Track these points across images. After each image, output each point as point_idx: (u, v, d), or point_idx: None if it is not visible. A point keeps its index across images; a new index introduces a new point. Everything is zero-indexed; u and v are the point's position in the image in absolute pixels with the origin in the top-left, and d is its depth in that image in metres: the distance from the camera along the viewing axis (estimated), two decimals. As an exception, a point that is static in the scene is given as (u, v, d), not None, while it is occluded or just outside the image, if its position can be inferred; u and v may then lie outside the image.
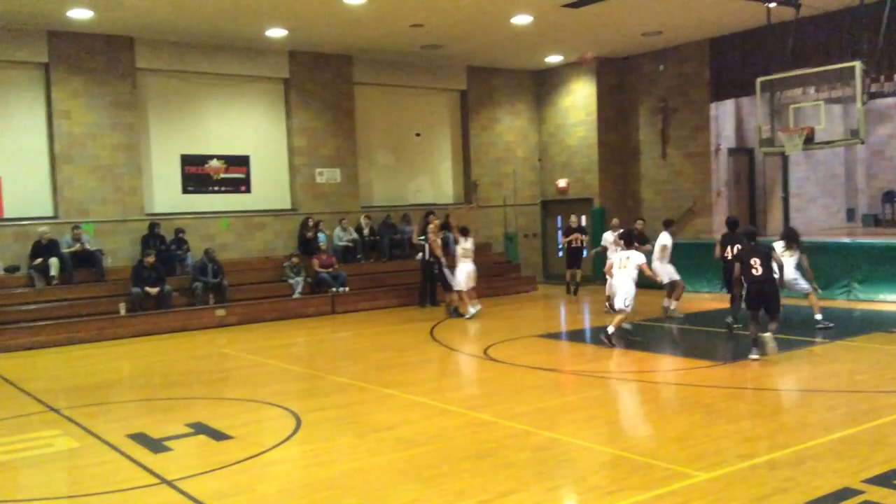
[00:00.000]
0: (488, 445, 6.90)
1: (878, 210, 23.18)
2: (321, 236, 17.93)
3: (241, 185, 17.98)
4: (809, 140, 14.85)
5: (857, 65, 13.78)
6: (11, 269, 15.07)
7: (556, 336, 13.44)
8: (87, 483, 6.45)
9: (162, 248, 16.13)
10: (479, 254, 20.48)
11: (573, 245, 17.64)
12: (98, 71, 15.98)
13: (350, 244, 18.49)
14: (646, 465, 6.14)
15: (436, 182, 21.15)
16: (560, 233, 20.86)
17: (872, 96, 15.57)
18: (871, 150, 23.73)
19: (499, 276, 19.97)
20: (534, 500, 5.56)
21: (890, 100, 20.40)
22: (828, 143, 15.30)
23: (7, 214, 15.28)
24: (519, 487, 5.77)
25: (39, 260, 14.95)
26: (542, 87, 22.16)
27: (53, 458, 7.23)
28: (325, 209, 18.68)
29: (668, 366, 10.45)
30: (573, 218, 17.84)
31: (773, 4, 14.37)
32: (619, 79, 21.03)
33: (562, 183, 21.72)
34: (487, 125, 21.56)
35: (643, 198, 20.86)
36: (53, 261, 14.94)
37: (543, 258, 22.59)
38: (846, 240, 16.18)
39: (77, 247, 15.34)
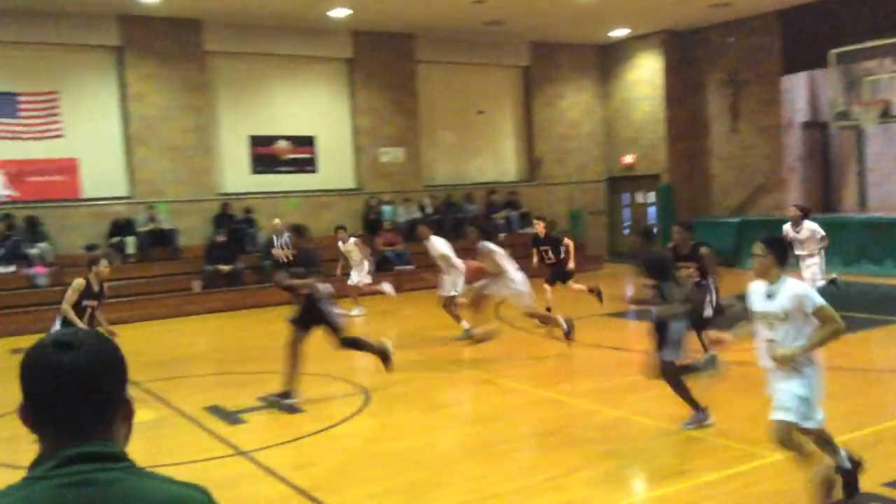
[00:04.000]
0: (555, 423, 6.92)
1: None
2: (385, 214, 18.09)
3: (308, 165, 18.25)
4: (886, 113, 14.33)
5: (940, 33, 13.22)
6: (90, 248, 15.62)
7: (623, 315, 13.32)
8: (165, 453, 6.70)
9: (233, 226, 16.52)
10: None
11: (546, 261, 12.72)
12: (168, 54, 16.36)
13: (413, 223, 18.59)
14: (717, 446, 6.07)
15: (498, 160, 21.08)
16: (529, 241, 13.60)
17: (956, 66, 14.93)
18: (955, 122, 22.72)
19: (563, 254, 19.82)
20: (602, 478, 5.57)
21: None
22: (907, 115, 14.74)
23: (85, 195, 15.85)
24: (586, 465, 5.79)
25: (117, 238, 15.51)
26: (607, 61, 21.81)
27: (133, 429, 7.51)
28: (389, 188, 18.82)
29: (741, 343, 10.24)
30: (538, 223, 12.71)
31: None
32: (686, 52, 20.56)
33: (628, 159, 21.41)
34: (551, 101, 21.36)
35: (713, 174, 20.42)
36: (130, 239, 15.47)
37: (610, 236, 22.36)
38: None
39: (152, 226, 15.83)
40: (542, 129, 21.24)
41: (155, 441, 7.13)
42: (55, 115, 15.55)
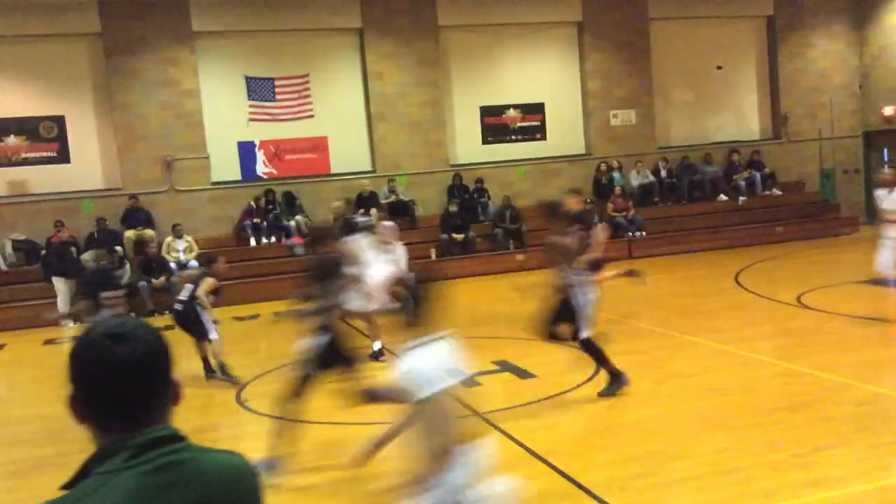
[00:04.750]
0: (802, 398, 6.51)
1: None
2: (616, 179, 17.77)
3: (537, 132, 18.33)
4: None
5: None
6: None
7: (883, 283, 12.10)
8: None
9: (465, 196, 17.05)
10: (792, 193, 19.01)
11: None
12: (404, 32, 17.09)
13: (647, 187, 18.10)
14: None
15: (740, 117, 19.88)
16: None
17: None
18: None
19: (813, 218, 18.42)
20: (854, 456, 5.18)
21: None
22: None
23: (334, 170, 17.09)
24: (837, 443, 5.41)
25: (361, 211, 16.55)
26: (863, 4, 19.71)
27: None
28: (620, 152, 18.42)
29: None
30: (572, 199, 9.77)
31: None
32: (963, -16, 18.08)
33: (888, 111, 19.31)
34: (798, 52, 19.73)
35: None
36: (373, 211, 16.45)
37: (866, 196, 20.37)
38: None
39: (392, 198, 16.75)
40: (789, 82, 19.71)
41: (399, 399, 7.60)
42: (307, 96, 16.88)
